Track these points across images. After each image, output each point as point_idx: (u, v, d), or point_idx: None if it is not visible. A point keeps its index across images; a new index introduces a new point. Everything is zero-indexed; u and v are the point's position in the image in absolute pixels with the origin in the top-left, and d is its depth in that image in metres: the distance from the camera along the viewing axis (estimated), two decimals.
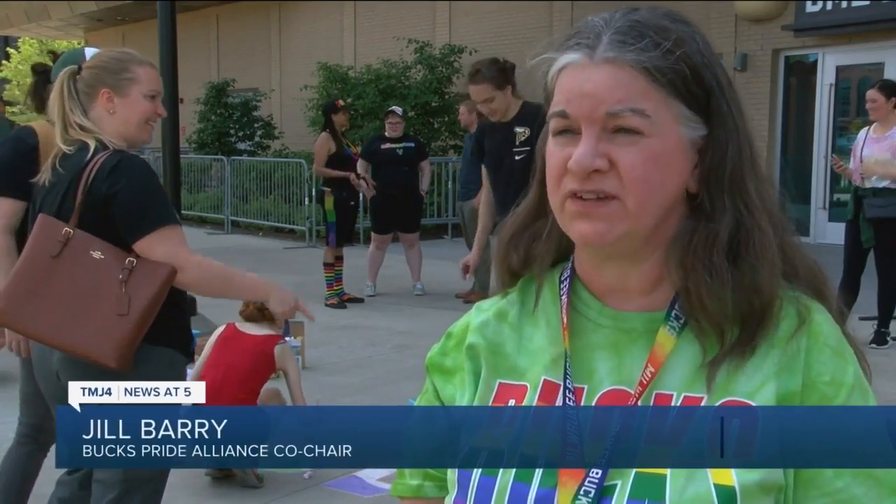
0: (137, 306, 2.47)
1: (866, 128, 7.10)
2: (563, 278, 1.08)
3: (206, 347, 4.51)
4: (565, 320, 1.04)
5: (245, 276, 2.79)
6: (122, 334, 2.46)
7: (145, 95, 2.68)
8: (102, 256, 2.50)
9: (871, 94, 6.78)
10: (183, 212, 6.84)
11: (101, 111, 2.64)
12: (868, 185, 6.66)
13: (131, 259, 2.49)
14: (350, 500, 4.22)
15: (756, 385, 0.95)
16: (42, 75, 3.22)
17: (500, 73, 5.01)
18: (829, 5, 11.79)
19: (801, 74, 12.80)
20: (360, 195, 9.28)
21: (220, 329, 4.61)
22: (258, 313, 4.56)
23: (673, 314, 1.00)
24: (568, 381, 1.01)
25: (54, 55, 3.24)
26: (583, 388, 1.02)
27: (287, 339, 6.37)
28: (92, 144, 2.56)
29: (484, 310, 1.14)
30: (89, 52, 3.10)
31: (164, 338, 2.59)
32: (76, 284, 2.50)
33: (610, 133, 0.95)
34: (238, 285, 2.77)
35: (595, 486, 0.94)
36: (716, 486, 0.91)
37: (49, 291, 2.50)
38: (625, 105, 0.94)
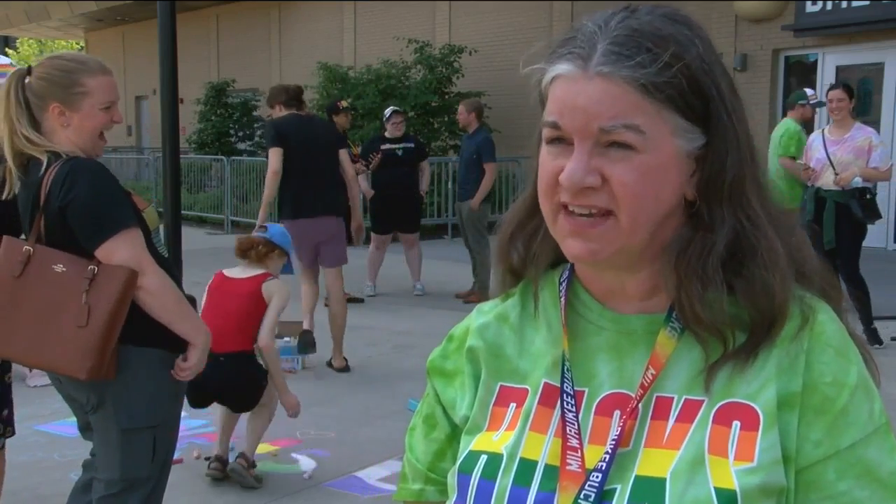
0: (98, 315, 2.42)
1: (818, 131, 7.16)
2: (561, 280, 1.07)
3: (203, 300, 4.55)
4: (564, 323, 1.03)
5: (193, 311, 2.68)
6: (86, 346, 2.41)
7: (100, 107, 2.58)
8: (65, 269, 2.45)
9: (838, 93, 6.83)
10: (183, 212, 6.84)
11: (53, 124, 2.55)
12: (849, 187, 6.69)
13: (93, 267, 2.44)
14: (350, 500, 4.22)
15: (757, 387, 0.94)
16: None
17: (270, 95, 6.76)
18: (829, 5, 11.79)
19: (801, 74, 12.79)
20: (360, 195, 9.27)
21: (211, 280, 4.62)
22: (242, 253, 4.57)
23: (674, 315, 0.99)
24: (566, 384, 1.00)
25: None
26: (583, 392, 1.01)
27: (287, 339, 6.38)
28: (44, 158, 2.49)
29: (485, 312, 1.13)
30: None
31: (152, 339, 2.56)
32: (42, 301, 2.46)
33: (603, 147, 0.93)
34: (188, 312, 2.62)
35: (595, 491, 0.93)
36: (716, 489, 0.90)
37: (17, 312, 2.47)
38: (618, 121, 0.92)
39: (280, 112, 6.57)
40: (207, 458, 4.51)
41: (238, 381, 4.28)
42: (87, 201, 2.45)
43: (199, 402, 4.30)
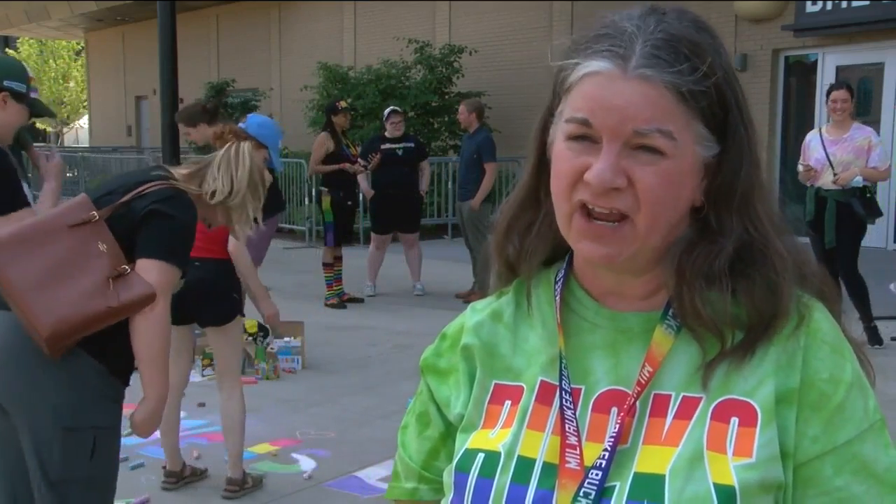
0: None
1: (815, 130, 7.16)
2: (557, 278, 1.07)
3: None
4: (559, 321, 1.04)
5: (167, 370, 2.67)
6: (73, 314, 2.44)
7: None
8: (105, 251, 2.54)
9: (842, 94, 6.83)
10: None
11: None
12: (848, 186, 6.70)
13: (126, 267, 2.52)
14: (349, 500, 4.22)
15: (755, 383, 0.94)
16: None
17: (190, 115, 6.49)
18: (829, 5, 11.79)
19: (801, 74, 12.80)
20: (359, 195, 9.28)
21: None
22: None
23: (670, 313, 0.99)
24: (564, 382, 1.01)
25: None
26: (580, 389, 1.01)
27: (287, 339, 6.39)
28: (168, 175, 2.78)
29: (479, 310, 1.13)
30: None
31: (113, 365, 2.57)
32: (67, 258, 2.52)
33: (631, 149, 0.93)
34: (163, 365, 2.62)
35: (595, 488, 0.93)
36: (715, 485, 0.91)
37: (39, 250, 2.53)
38: (653, 125, 0.92)
39: (205, 131, 6.27)
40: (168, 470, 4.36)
41: (212, 288, 4.10)
42: (171, 223, 2.62)
43: (179, 315, 3.61)
